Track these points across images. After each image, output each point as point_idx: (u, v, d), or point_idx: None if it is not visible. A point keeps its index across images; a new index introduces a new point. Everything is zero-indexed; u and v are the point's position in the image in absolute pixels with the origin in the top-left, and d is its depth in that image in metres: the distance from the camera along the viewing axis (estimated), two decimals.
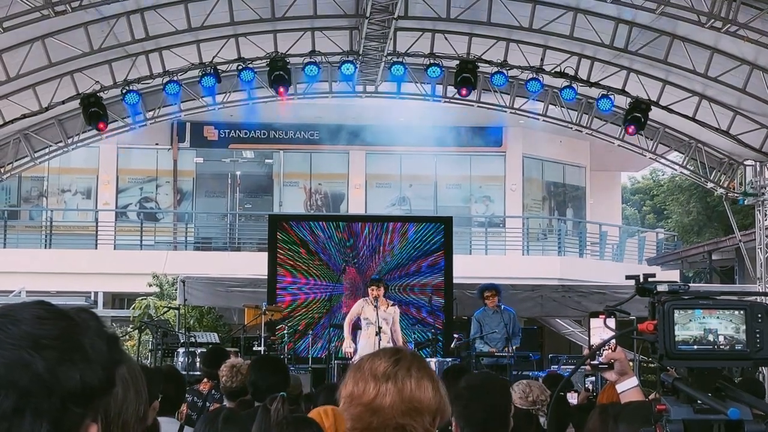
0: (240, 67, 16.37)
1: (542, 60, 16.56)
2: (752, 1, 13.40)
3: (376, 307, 13.98)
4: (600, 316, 3.41)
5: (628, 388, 3.50)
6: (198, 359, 14.14)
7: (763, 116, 16.50)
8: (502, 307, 14.91)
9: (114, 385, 1.54)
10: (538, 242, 29.75)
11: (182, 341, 15.44)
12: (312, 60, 16.45)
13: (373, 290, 14.23)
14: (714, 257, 25.72)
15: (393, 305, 14.62)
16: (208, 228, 29.86)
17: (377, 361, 2.68)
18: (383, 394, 2.60)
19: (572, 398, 9.57)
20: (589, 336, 3.48)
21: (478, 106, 18.50)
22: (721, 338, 2.59)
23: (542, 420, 6.30)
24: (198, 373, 12.97)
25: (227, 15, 15.13)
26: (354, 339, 14.54)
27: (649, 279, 2.73)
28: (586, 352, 3.54)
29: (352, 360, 13.55)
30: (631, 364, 3.77)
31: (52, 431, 1.42)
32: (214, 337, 16.92)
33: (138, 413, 2.28)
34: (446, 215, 21.09)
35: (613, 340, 3.35)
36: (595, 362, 3.53)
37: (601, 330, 3.40)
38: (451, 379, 6.66)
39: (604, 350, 3.41)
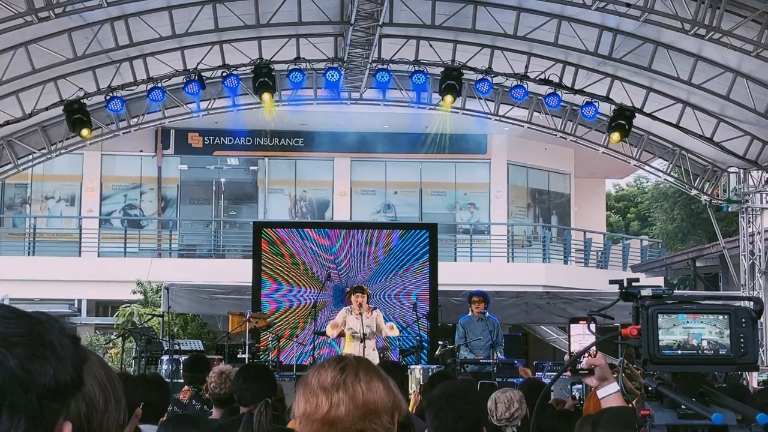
0: (224, 74, 16.34)
1: (527, 67, 16.59)
2: (736, 8, 13.47)
3: (360, 314, 13.94)
4: (581, 322, 3.39)
5: (608, 393, 3.48)
6: (182, 367, 14.08)
7: (747, 123, 16.56)
8: (487, 315, 14.92)
9: (83, 383, 1.54)
10: (522, 249, 29.78)
11: (166, 349, 15.38)
12: (297, 67, 16.44)
13: (358, 297, 14.16)
14: (698, 264, 25.79)
15: (374, 309, 14.54)
16: (193, 235, 29.78)
17: (323, 372, 2.64)
18: (336, 404, 2.57)
19: None
20: (569, 342, 3.45)
21: (463, 113, 18.51)
22: (705, 343, 2.58)
23: None
24: (182, 380, 12.92)
25: (212, 22, 15.10)
26: (338, 344, 14.51)
27: (633, 283, 2.73)
28: (566, 358, 3.53)
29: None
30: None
31: (30, 428, 1.42)
32: (198, 345, 16.86)
33: (119, 421, 2.26)
34: (431, 222, 21.11)
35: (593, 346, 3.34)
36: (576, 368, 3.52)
37: (581, 336, 3.39)
38: (437, 386, 6.65)
39: (584, 356, 3.39)
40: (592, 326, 3.21)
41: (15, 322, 1.47)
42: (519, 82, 16.64)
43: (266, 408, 4.81)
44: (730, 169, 18.56)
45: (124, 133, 18.31)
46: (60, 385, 1.46)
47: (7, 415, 1.40)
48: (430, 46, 16.39)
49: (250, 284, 17.97)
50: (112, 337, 20.80)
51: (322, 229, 19.03)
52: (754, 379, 14.98)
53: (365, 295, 14.22)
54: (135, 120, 17.94)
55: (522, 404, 6.34)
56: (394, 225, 22.36)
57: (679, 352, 2.57)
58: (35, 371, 1.43)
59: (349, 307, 14.40)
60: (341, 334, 14.50)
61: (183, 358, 14.42)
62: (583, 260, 30.01)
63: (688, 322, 2.58)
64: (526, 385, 8.53)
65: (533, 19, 15.34)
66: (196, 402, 8.76)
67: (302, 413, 2.63)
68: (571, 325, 3.43)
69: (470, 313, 14.91)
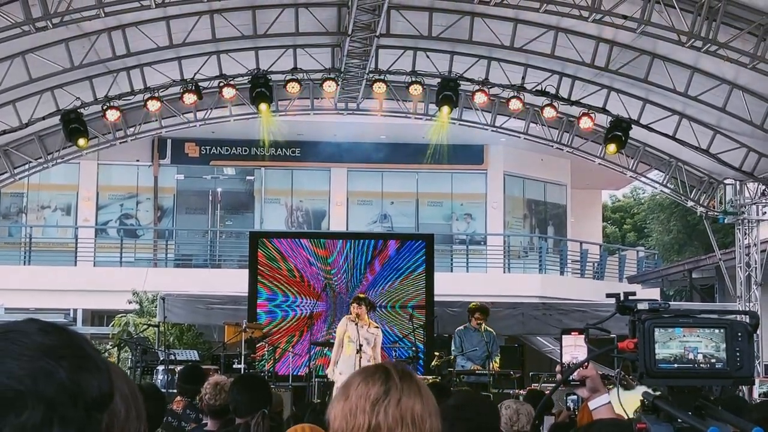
0: (221, 84, 16.36)
1: (523, 78, 16.62)
2: (732, 21, 13.50)
3: (357, 325, 13.82)
4: (572, 333, 3.39)
5: (600, 405, 3.47)
6: (177, 378, 14.03)
7: (743, 135, 16.59)
8: (483, 326, 14.84)
9: (115, 392, 1.56)
10: (519, 260, 29.79)
11: (161, 359, 15.35)
12: (294, 77, 16.47)
13: (354, 307, 14.04)
14: (694, 276, 25.80)
15: (376, 327, 14.32)
16: (189, 245, 29.76)
17: (366, 389, 2.58)
18: (377, 426, 2.52)
19: (548, 420, 9.42)
20: (561, 353, 3.45)
21: (460, 124, 18.53)
22: (701, 357, 2.58)
23: None
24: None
25: (209, 32, 15.11)
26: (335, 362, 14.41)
27: (630, 297, 2.73)
28: (557, 368, 3.52)
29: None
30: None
31: None
32: (193, 355, 16.83)
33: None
34: (428, 233, 21.10)
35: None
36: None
37: (572, 348, 3.39)
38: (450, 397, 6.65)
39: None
40: (586, 338, 3.21)
41: (55, 336, 1.48)
42: (516, 94, 16.68)
43: (263, 419, 4.82)
44: (726, 181, 18.59)
45: (120, 143, 18.30)
46: (103, 395, 1.49)
47: (59, 427, 1.42)
48: (427, 57, 16.43)
49: (246, 294, 17.95)
50: (108, 347, 20.76)
51: (319, 239, 19.03)
52: (754, 391, 14.99)
53: (363, 306, 14.01)
54: (132, 130, 17.93)
55: (530, 420, 6.40)
56: (390, 235, 22.35)
57: (676, 365, 2.57)
58: (83, 383, 1.45)
59: (349, 314, 14.21)
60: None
61: (179, 368, 14.39)
62: (579, 271, 30.02)
63: (684, 336, 2.59)
64: (529, 397, 8.54)
65: (530, 30, 15.37)
66: (191, 411, 8.73)
67: (338, 429, 2.57)
68: (563, 336, 3.43)
69: (468, 324, 14.82)
